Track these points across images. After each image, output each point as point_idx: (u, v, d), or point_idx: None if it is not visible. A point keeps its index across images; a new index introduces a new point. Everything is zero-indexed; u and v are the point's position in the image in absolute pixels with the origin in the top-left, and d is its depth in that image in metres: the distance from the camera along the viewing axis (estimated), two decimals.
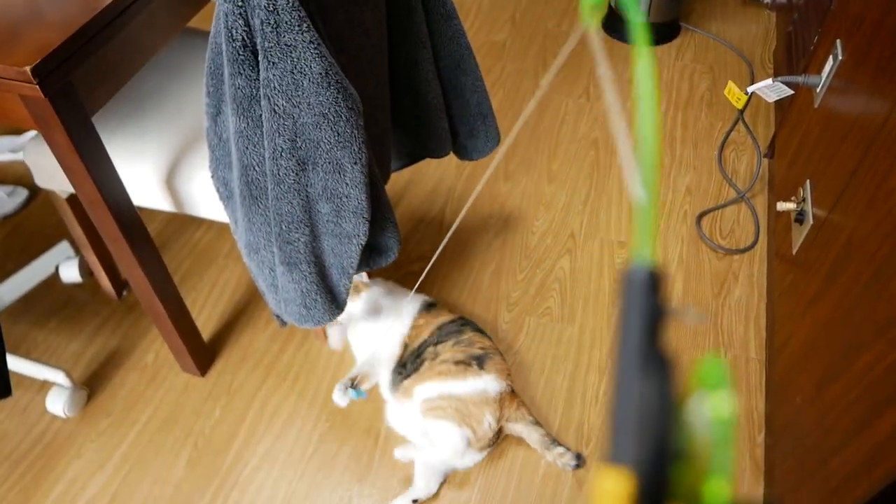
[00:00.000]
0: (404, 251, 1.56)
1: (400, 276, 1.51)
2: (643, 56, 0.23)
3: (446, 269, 1.52)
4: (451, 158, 1.76)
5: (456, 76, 1.28)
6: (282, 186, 0.94)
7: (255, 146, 0.92)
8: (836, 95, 1.27)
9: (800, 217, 1.29)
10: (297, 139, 0.91)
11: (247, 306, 1.46)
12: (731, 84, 1.56)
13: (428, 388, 1.17)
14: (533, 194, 1.68)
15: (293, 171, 0.93)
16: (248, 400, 1.31)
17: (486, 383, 1.17)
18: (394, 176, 1.73)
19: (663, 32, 2.12)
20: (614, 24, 2.14)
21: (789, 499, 1.04)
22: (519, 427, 1.19)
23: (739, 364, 1.34)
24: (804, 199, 1.29)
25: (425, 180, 1.73)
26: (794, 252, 1.29)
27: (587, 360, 1.35)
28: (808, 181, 1.30)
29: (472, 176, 1.73)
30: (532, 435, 1.18)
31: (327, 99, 0.88)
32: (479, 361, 1.19)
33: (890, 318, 0.82)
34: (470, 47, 1.26)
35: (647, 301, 0.20)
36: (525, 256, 1.55)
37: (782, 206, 1.33)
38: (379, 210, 1.12)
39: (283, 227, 0.99)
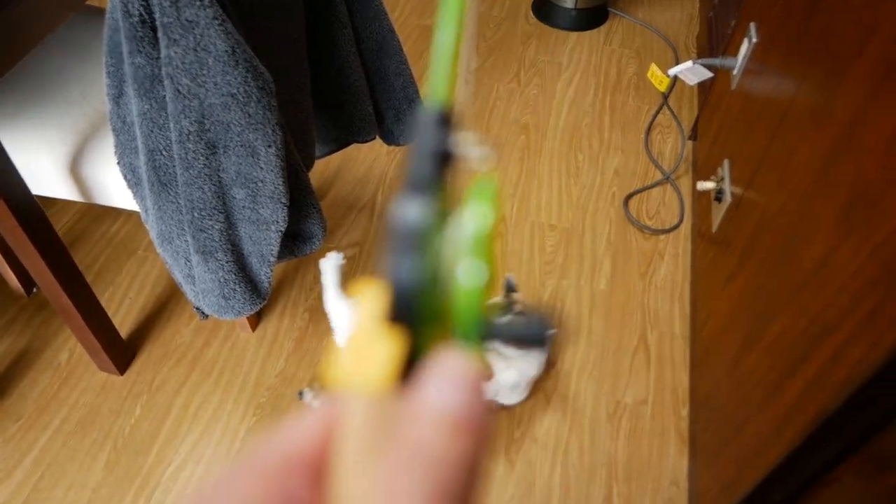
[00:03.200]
0: (335, 238, 1.53)
1: None
2: None
3: (378, 256, 1.50)
4: (382, 144, 1.74)
5: (379, 59, 1.26)
6: (191, 171, 0.90)
7: (160, 129, 0.88)
8: (751, 77, 1.31)
9: (719, 196, 1.32)
10: (205, 121, 0.87)
11: (169, 300, 1.41)
12: (653, 67, 1.59)
13: None
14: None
15: (202, 155, 0.89)
16: (170, 397, 1.26)
17: None
18: (324, 162, 1.69)
19: (592, 18, 2.14)
20: (543, 10, 2.15)
21: (709, 468, 1.07)
22: None
23: (665, 341, 1.37)
24: (723, 179, 1.32)
25: (356, 166, 1.70)
26: (714, 230, 1.33)
27: None
28: (726, 161, 1.34)
29: (403, 161, 1.71)
30: None
31: (235, 78, 0.84)
32: None
33: (796, 288, 0.85)
34: (392, 29, 1.23)
35: (436, 137, 0.20)
36: None
37: (702, 185, 1.36)
38: (300, 195, 1.09)
39: (196, 214, 0.95)
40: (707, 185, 1.35)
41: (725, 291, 1.17)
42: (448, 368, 0.17)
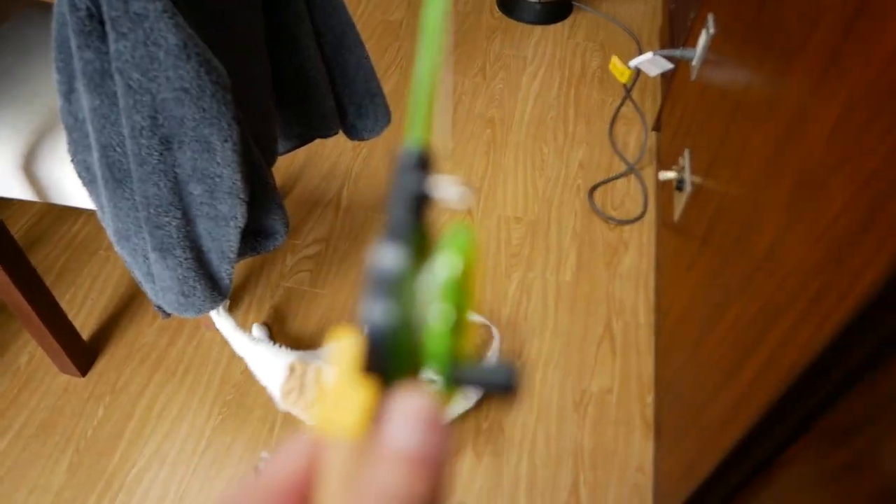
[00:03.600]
0: (299, 234, 1.52)
1: (296, 260, 1.48)
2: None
3: (344, 252, 1.50)
4: (348, 140, 1.73)
5: (339, 53, 1.25)
6: (146, 167, 0.89)
7: (112, 125, 0.87)
8: (710, 68, 1.32)
9: (680, 185, 1.34)
10: (158, 116, 0.86)
11: (132, 300, 1.39)
12: (614, 59, 1.60)
13: None
14: None
15: (157, 151, 0.88)
16: (134, 398, 1.25)
17: None
18: (289, 158, 1.68)
19: (556, 11, 2.15)
20: (508, 4, 2.16)
21: (673, 452, 1.08)
22: None
23: (630, 329, 1.38)
24: (684, 168, 1.34)
25: (321, 162, 1.69)
26: (675, 219, 1.34)
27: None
28: (686, 151, 1.35)
29: (369, 156, 1.71)
30: None
31: (187, 73, 0.83)
32: None
33: (749, 274, 0.87)
34: (352, 23, 1.23)
35: (414, 181, 0.21)
36: None
37: (664, 175, 1.38)
38: (261, 191, 1.08)
39: (152, 210, 0.94)
40: (668, 174, 1.37)
41: (686, 279, 1.19)
42: (407, 409, 0.19)
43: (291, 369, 1.16)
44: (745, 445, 0.80)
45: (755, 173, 0.92)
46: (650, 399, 1.28)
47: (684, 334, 1.15)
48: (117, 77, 0.81)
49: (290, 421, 1.22)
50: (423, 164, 0.21)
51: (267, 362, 1.19)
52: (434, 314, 0.20)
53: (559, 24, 2.14)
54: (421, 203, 0.21)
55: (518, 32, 2.10)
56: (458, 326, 0.21)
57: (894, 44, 0.60)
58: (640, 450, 1.21)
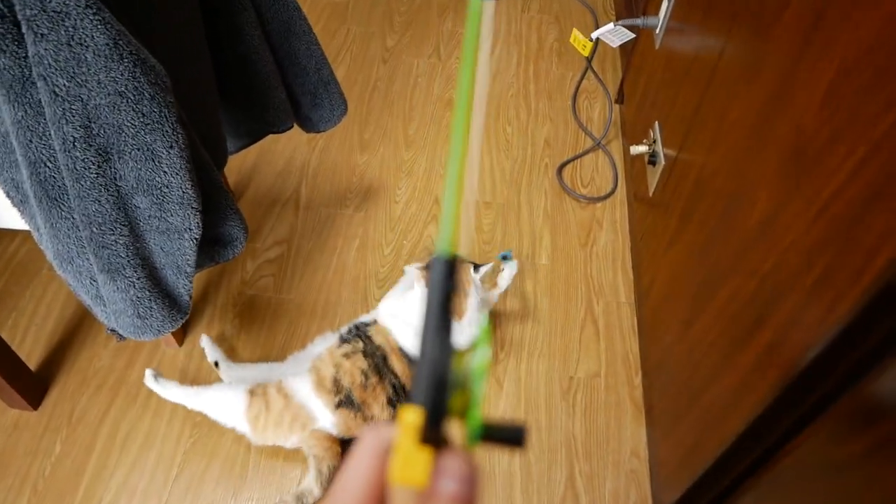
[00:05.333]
0: (258, 237, 1.44)
1: (257, 265, 1.39)
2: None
3: (308, 252, 1.42)
4: (301, 133, 1.64)
5: (287, 41, 1.16)
6: (83, 183, 0.80)
7: (40, 138, 0.78)
8: (675, 35, 1.28)
9: (652, 159, 1.30)
10: (92, 125, 0.77)
11: (82, 321, 1.29)
12: (575, 31, 1.55)
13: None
14: (392, 162, 1.60)
15: (94, 164, 0.79)
16: (93, 428, 1.16)
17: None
18: (238, 158, 1.59)
19: None
20: None
21: (668, 438, 1.05)
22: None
23: (612, 310, 1.35)
24: (655, 141, 1.30)
25: (275, 159, 1.60)
26: (650, 194, 1.31)
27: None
28: (656, 123, 1.31)
29: (325, 149, 1.62)
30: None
31: (121, 74, 0.75)
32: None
33: (742, 250, 0.83)
34: (299, 7, 1.14)
35: (445, 282, 0.27)
36: (390, 228, 1.47)
37: (635, 149, 1.34)
38: (214, 197, 1.00)
39: (95, 229, 0.85)
40: (640, 148, 1.33)
41: (668, 256, 1.16)
42: (452, 468, 0.26)
43: (251, 394, 1.09)
44: (751, 431, 0.77)
45: (738, 144, 0.88)
46: (638, 380, 1.24)
47: (671, 313, 1.11)
48: (40, 84, 0.72)
49: None
50: (451, 268, 0.27)
51: (224, 400, 1.11)
52: (469, 393, 0.27)
53: None
54: (450, 299, 0.27)
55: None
56: (480, 400, 0.28)
57: None
58: (633, 434, 1.18)
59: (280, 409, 1.07)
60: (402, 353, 1.13)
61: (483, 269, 1.19)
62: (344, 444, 1.09)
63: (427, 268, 1.16)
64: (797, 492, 0.72)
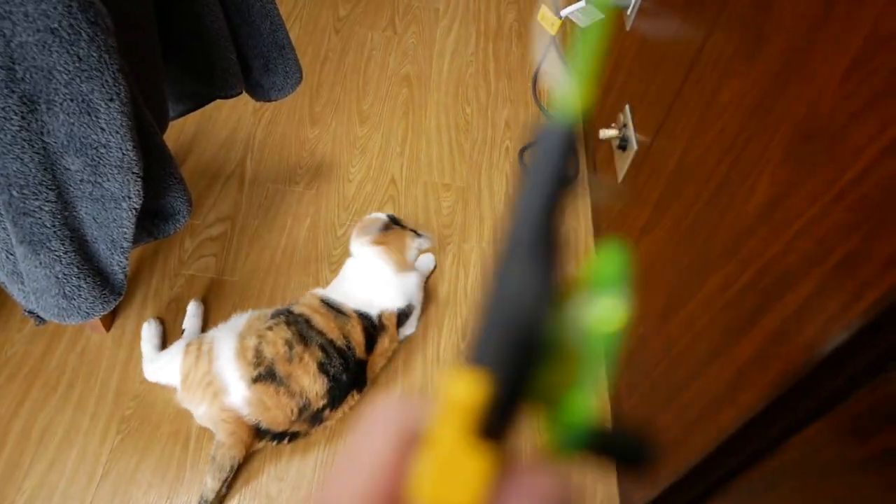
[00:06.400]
0: (199, 213, 1.32)
1: (197, 243, 1.27)
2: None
3: (253, 231, 1.31)
4: (247, 102, 1.51)
5: None
6: (2, 136, 0.68)
7: None
8: (649, 17, 1.24)
9: (622, 144, 1.26)
10: (16, 67, 0.65)
11: None
12: (543, 9, 1.49)
13: None
14: (345, 138, 1.50)
15: (16, 114, 0.67)
16: (5, 422, 1.02)
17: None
18: (177, 125, 1.45)
19: None
20: None
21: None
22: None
23: None
24: (625, 125, 1.26)
25: (217, 128, 1.47)
26: (619, 181, 1.26)
27: (424, 316, 1.23)
28: (626, 106, 1.27)
29: (273, 121, 1.51)
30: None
31: (54, 8, 0.63)
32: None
33: (737, 238, 0.79)
34: None
35: (557, 168, 0.18)
36: (343, 208, 1.38)
37: (604, 133, 1.29)
38: (157, 163, 0.89)
39: (15, 192, 0.72)
40: (609, 132, 1.28)
41: (641, 245, 1.11)
42: (532, 489, 0.16)
43: (187, 348, 1.01)
44: (747, 427, 0.73)
45: (731, 126, 0.84)
46: (603, 376, 1.20)
47: (645, 304, 1.07)
48: None
49: (206, 436, 1.04)
50: (569, 146, 0.18)
51: (169, 356, 1.04)
52: (575, 368, 0.17)
53: None
54: (559, 196, 0.18)
55: None
56: (592, 383, 0.17)
57: None
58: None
59: (204, 370, 0.98)
60: (327, 306, 1.05)
61: (423, 242, 1.21)
62: (261, 438, 0.98)
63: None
64: (789, 493, 0.69)
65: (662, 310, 0.98)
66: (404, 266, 1.15)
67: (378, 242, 1.14)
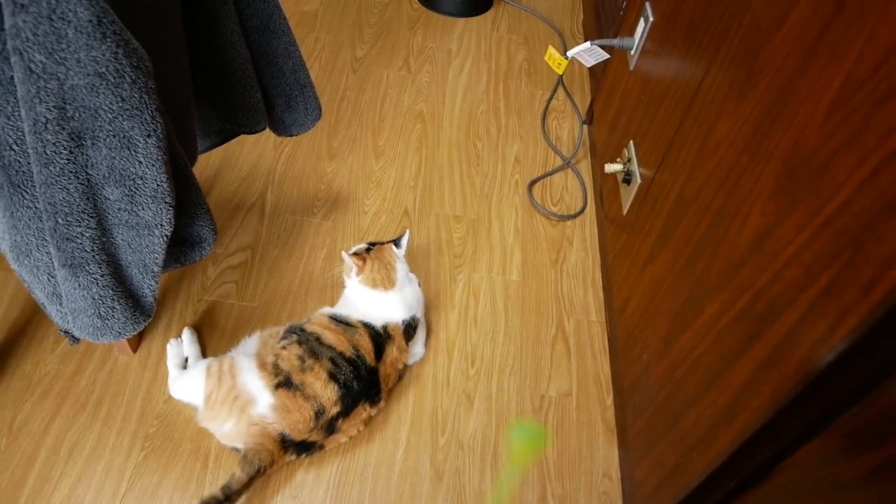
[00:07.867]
0: (222, 243, 1.38)
1: (219, 271, 1.33)
2: None
3: (273, 260, 1.37)
4: (268, 137, 1.59)
5: (266, 39, 1.13)
6: (52, 168, 0.74)
7: (7, 118, 0.72)
8: (651, 57, 1.30)
9: (627, 178, 1.31)
10: (67, 106, 0.71)
11: (28, 323, 1.20)
12: (551, 49, 1.56)
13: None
14: (361, 172, 1.57)
15: (65, 149, 0.74)
16: (37, 438, 1.07)
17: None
18: (202, 160, 1.52)
19: (477, 4, 2.10)
20: None
21: (646, 458, 1.04)
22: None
23: (582, 328, 1.34)
24: (629, 160, 1.31)
25: (239, 163, 1.54)
26: (624, 213, 1.31)
27: (434, 342, 1.28)
28: (631, 142, 1.33)
29: (293, 156, 1.58)
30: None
31: (103, 54, 0.70)
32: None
33: (731, 267, 0.83)
34: (279, 6, 1.11)
35: None
36: (359, 238, 1.43)
37: (610, 167, 1.35)
38: (186, 194, 0.95)
39: (60, 220, 0.79)
40: (615, 166, 1.34)
41: (645, 275, 1.16)
42: None
43: (208, 369, 1.07)
44: (743, 450, 0.76)
45: (726, 161, 0.89)
46: (610, 401, 1.24)
47: (647, 332, 1.11)
48: (15, 59, 0.67)
49: (226, 454, 1.09)
50: None
51: (191, 378, 1.10)
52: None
53: (481, 17, 2.09)
54: None
55: (440, 24, 2.02)
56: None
57: None
58: (605, 454, 1.17)
59: (229, 386, 1.04)
60: (335, 322, 1.13)
61: (403, 242, 1.24)
62: (285, 450, 1.03)
63: (359, 254, 1.19)
64: None
65: (665, 336, 1.02)
66: (395, 283, 1.17)
67: (364, 269, 1.17)
